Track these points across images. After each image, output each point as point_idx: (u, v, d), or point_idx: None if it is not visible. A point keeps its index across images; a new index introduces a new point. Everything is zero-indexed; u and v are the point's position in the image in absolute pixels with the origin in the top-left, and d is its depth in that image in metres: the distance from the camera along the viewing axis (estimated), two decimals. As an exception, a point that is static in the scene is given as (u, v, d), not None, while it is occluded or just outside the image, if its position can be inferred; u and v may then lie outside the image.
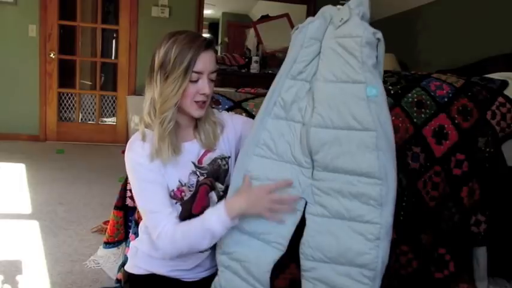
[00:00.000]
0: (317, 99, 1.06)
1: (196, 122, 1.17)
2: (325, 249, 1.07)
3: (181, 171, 1.12)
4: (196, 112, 1.10)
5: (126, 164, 1.10)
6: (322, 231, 1.07)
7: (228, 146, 1.20)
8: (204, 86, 1.08)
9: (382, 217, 1.02)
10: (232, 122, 1.22)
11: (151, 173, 1.07)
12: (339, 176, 1.05)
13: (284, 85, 1.11)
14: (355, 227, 1.04)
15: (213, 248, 1.17)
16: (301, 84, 1.10)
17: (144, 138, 1.08)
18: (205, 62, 1.07)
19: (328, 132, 1.04)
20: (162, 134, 1.07)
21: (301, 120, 1.09)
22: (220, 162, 1.17)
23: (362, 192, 1.03)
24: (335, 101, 1.04)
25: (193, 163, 1.14)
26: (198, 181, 1.14)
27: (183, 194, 1.12)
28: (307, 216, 1.09)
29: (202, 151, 1.15)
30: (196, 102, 1.09)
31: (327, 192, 1.06)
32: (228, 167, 1.19)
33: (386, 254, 1.04)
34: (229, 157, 1.20)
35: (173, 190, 1.11)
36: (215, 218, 1.04)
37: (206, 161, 1.15)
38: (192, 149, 1.14)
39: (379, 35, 1.03)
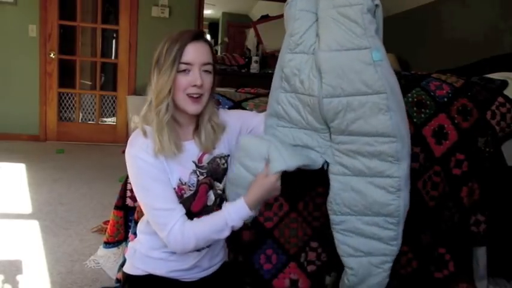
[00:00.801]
0: (324, 70, 1.08)
1: (197, 123, 1.17)
2: (351, 204, 1.15)
3: (183, 170, 1.12)
4: (191, 107, 1.10)
5: (127, 160, 1.10)
6: (346, 189, 1.15)
7: (227, 146, 1.20)
8: (195, 78, 1.07)
9: (400, 170, 1.09)
10: (231, 121, 1.22)
11: (155, 170, 1.07)
12: (356, 139, 1.11)
13: (285, 60, 1.15)
14: (376, 182, 1.12)
15: (210, 249, 1.18)
16: (300, 56, 1.13)
17: (145, 134, 1.09)
18: (194, 52, 1.07)
19: (341, 100, 1.08)
20: (159, 125, 1.07)
21: (305, 92, 1.12)
22: (219, 161, 1.17)
23: (380, 150, 1.09)
24: (343, 69, 1.06)
25: (194, 162, 1.14)
26: (198, 180, 1.14)
27: (182, 192, 1.12)
28: (330, 176, 1.17)
29: (201, 152, 1.16)
30: (190, 96, 1.09)
31: (346, 153, 1.13)
32: (227, 166, 1.19)
33: (407, 201, 1.12)
34: (228, 155, 1.20)
35: (174, 188, 1.11)
36: (236, 214, 1.07)
37: (205, 159, 1.15)
38: (191, 148, 1.14)
39: (378, 1, 1.06)
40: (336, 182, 1.16)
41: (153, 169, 1.07)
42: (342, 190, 1.15)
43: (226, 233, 1.08)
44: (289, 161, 1.09)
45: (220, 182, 1.18)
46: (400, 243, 1.16)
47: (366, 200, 1.13)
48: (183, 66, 1.07)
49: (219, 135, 1.17)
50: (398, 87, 1.08)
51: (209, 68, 1.11)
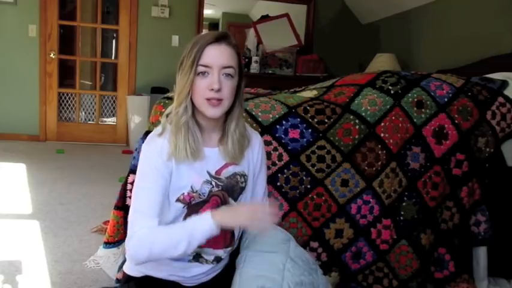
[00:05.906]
0: None
1: (224, 131, 1.13)
2: None
3: (196, 178, 1.09)
4: (209, 111, 1.05)
5: (141, 152, 1.09)
6: None
7: (246, 165, 1.16)
8: (212, 81, 1.03)
9: None
10: (260, 147, 1.20)
11: (154, 175, 1.05)
12: None
13: None
14: None
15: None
16: None
17: (162, 133, 1.08)
18: (213, 55, 1.03)
19: None
20: (175, 126, 1.05)
21: None
22: (238, 179, 1.14)
23: None
24: None
25: (209, 173, 1.10)
26: (210, 191, 1.10)
27: (192, 199, 1.09)
28: None
29: (223, 162, 1.12)
30: (208, 100, 1.04)
31: None
32: (245, 186, 1.16)
33: None
34: (247, 175, 1.17)
35: (183, 193, 1.08)
36: (199, 221, 1.00)
37: (225, 173, 1.12)
38: (211, 156, 1.11)
39: None
40: None
41: (153, 176, 1.05)
42: None
43: (182, 248, 0.99)
44: None
45: (235, 200, 1.15)
46: None
47: None
48: (201, 69, 1.03)
49: (245, 147, 1.14)
50: None
51: (231, 71, 1.05)
